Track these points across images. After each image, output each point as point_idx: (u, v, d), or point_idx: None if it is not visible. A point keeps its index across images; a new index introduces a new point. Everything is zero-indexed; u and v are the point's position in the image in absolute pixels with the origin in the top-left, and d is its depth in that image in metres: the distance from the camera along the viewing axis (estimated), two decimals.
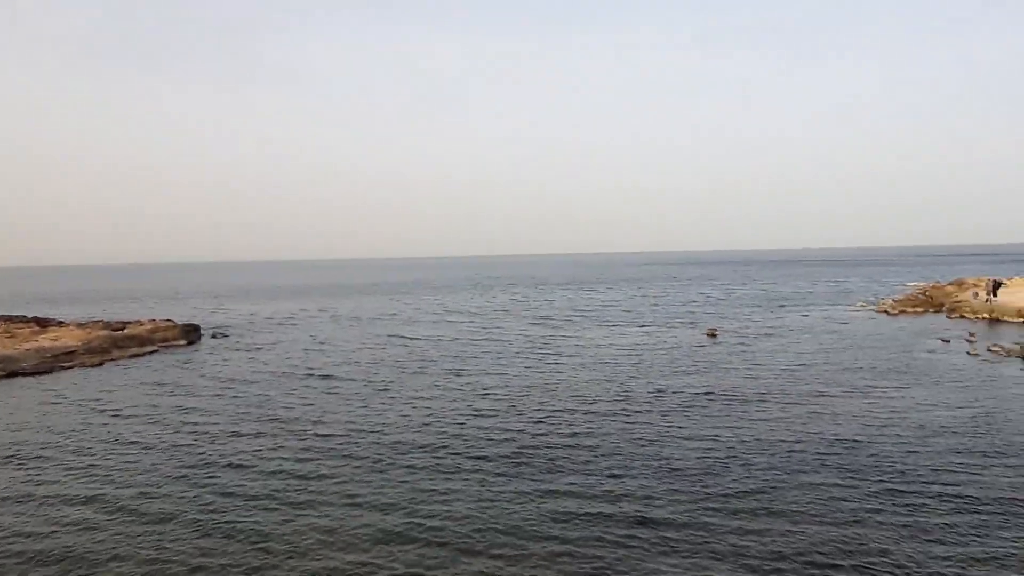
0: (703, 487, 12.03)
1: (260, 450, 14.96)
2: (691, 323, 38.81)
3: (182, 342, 34.06)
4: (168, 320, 37.66)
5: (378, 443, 15.30)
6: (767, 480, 12.29)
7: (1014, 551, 9.31)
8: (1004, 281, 45.03)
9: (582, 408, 18.30)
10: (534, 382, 22.06)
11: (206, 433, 16.58)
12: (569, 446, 14.74)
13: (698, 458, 13.68)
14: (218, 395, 21.27)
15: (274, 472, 13.44)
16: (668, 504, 11.29)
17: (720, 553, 9.50)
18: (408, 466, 13.61)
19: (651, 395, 19.72)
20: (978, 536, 9.81)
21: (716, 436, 15.23)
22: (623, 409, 18.06)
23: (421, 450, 14.69)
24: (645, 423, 16.54)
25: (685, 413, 17.46)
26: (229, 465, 13.97)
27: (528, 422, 16.87)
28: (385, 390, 21.34)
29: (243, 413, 18.66)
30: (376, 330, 38.88)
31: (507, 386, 21.47)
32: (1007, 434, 14.88)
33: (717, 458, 13.65)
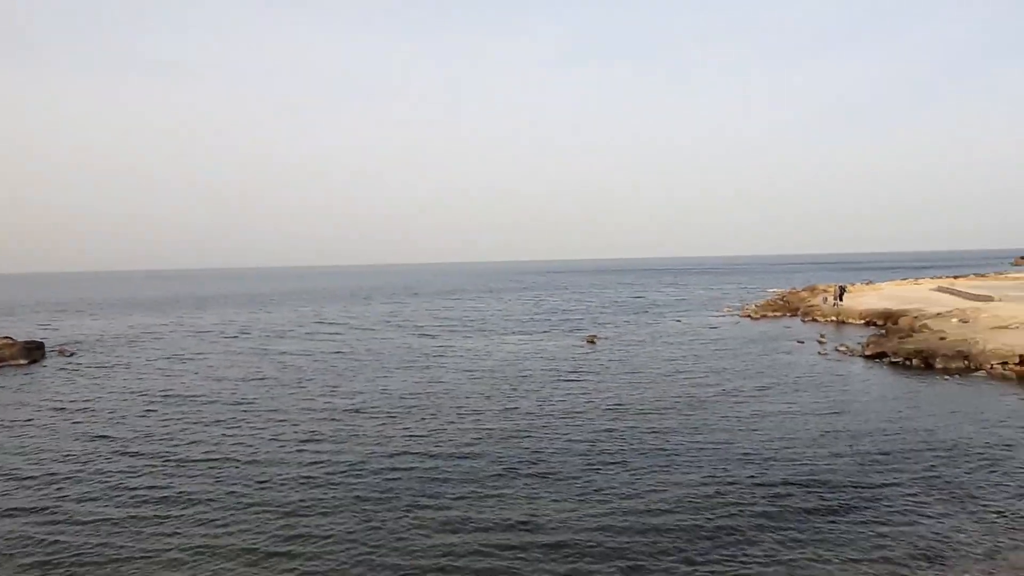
0: (585, 490, 12.31)
1: (109, 482, 13.55)
2: (571, 331, 39.94)
3: (22, 361, 30.46)
4: (6, 338, 33.44)
5: (248, 467, 14.35)
6: (645, 480, 12.79)
7: (863, 531, 10.26)
8: (848, 287, 50.19)
9: (464, 420, 18.21)
10: (415, 395, 21.70)
11: (45, 463, 14.80)
12: (452, 456, 14.58)
13: (581, 462, 14.00)
14: (61, 421, 19.11)
15: (123, 505, 12.21)
16: (552, 510, 11.43)
17: (599, 555, 9.73)
18: (280, 487, 12.86)
19: (534, 404, 20.00)
20: (833, 519, 10.73)
21: (596, 440, 15.67)
22: (506, 418, 18.16)
23: (293, 471, 13.94)
24: (526, 433, 16.72)
25: (566, 419, 17.85)
26: (72, 498, 12.53)
27: (409, 437, 16.52)
28: (252, 410, 20.13)
29: (89, 442, 16.86)
30: (245, 344, 36.72)
31: (386, 400, 20.96)
32: (854, 424, 16.49)
33: (601, 461, 14.03)
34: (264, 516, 11.45)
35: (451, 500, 11.99)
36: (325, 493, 12.50)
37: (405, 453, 14.98)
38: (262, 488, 12.86)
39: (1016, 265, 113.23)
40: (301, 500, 12.16)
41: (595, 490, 12.32)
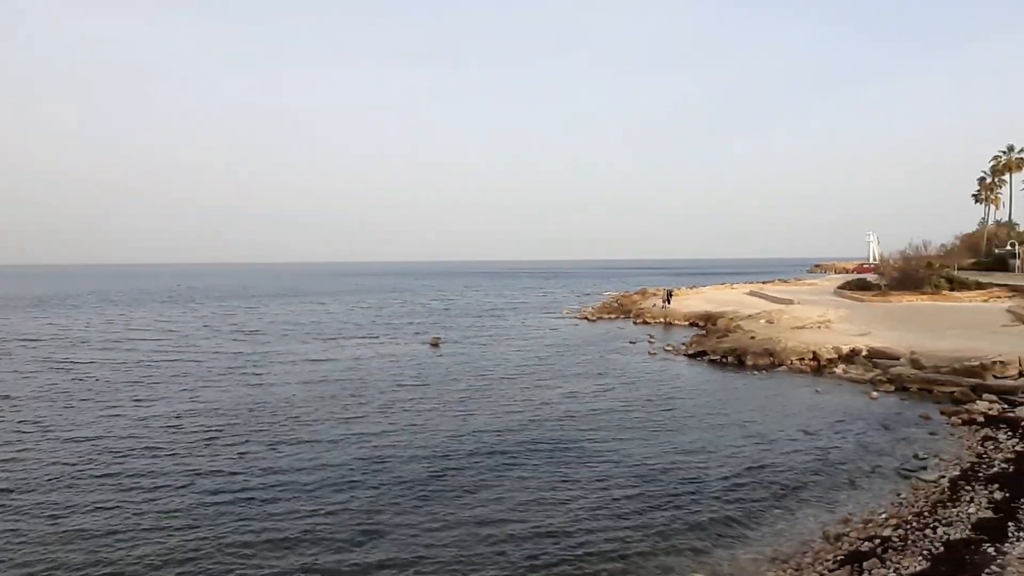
0: (428, 489, 12.31)
1: None
2: (414, 333, 39.74)
3: None
4: None
5: (35, 495, 12.66)
6: (486, 478, 13.05)
7: (708, 515, 11.26)
8: (676, 291, 54.72)
9: (301, 431, 17.44)
10: (241, 407, 20.41)
11: None
12: (288, 470, 13.91)
13: (424, 468, 13.97)
14: None
15: None
16: (395, 522, 11.30)
17: (440, 564, 9.79)
18: (72, 515, 11.49)
19: (377, 410, 19.65)
20: (664, 506, 11.65)
21: (440, 444, 15.74)
22: (348, 427, 17.66)
23: (90, 498, 12.53)
24: (369, 440, 16.38)
25: (410, 425, 17.73)
26: None
27: (236, 453, 15.51)
28: (46, 429, 17.80)
29: None
30: (32, 354, 32.35)
31: (208, 414, 19.49)
32: (679, 418, 18.04)
33: (445, 467, 14.08)
34: (48, 549, 10.17)
35: (284, 516, 11.43)
36: (130, 521, 11.36)
37: (227, 473, 14.03)
38: (54, 521, 11.41)
39: (811, 272, 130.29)
40: (96, 528, 10.95)
41: (438, 496, 12.36)
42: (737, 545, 10.25)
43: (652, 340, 34.24)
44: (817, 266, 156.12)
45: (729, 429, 16.94)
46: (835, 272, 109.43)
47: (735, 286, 68.13)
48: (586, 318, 48.36)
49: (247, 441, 16.15)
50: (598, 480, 13.11)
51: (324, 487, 12.85)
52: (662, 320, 43.82)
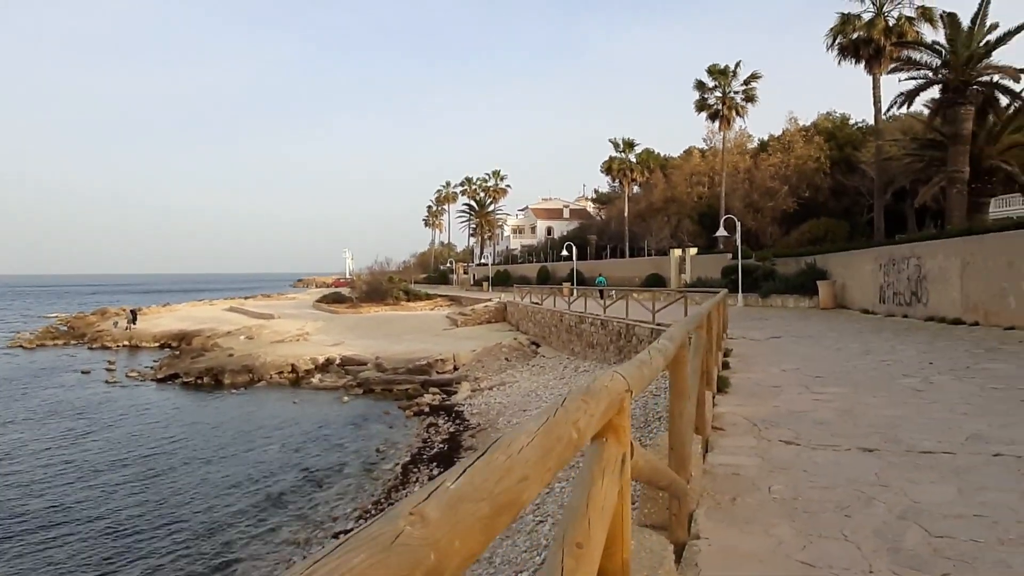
0: None
1: None
2: None
3: None
4: None
5: None
6: None
7: (184, 555, 10.12)
8: (143, 310, 49.60)
9: None
10: None
11: None
12: None
13: None
14: None
15: None
16: None
17: None
18: None
19: None
20: (137, 558, 10.20)
21: None
22: None
23: None
24: None
25: None
26: None
27: None
28: None
29: None
30: None
31: None
32: (143, 453, 16.23)
33: None
34: None
35: None
36: None
37: None
38: None
39: (294, 287, 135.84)
40: None
41: None
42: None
43: (112, 367, 30.09)
44: (300, 281, 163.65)
45: (203, 454, 16.09)
46: (316, 286, 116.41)
47: (215, 302, 65.74)
48: (21, 346, 39.61)
49: None
50: (40, 546, 10.72)
51: None
52: (127, 343, 39.11)
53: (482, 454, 1.16)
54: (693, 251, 43.10)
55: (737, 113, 44.50)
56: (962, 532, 3.72)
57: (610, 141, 61.74)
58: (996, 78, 26.11)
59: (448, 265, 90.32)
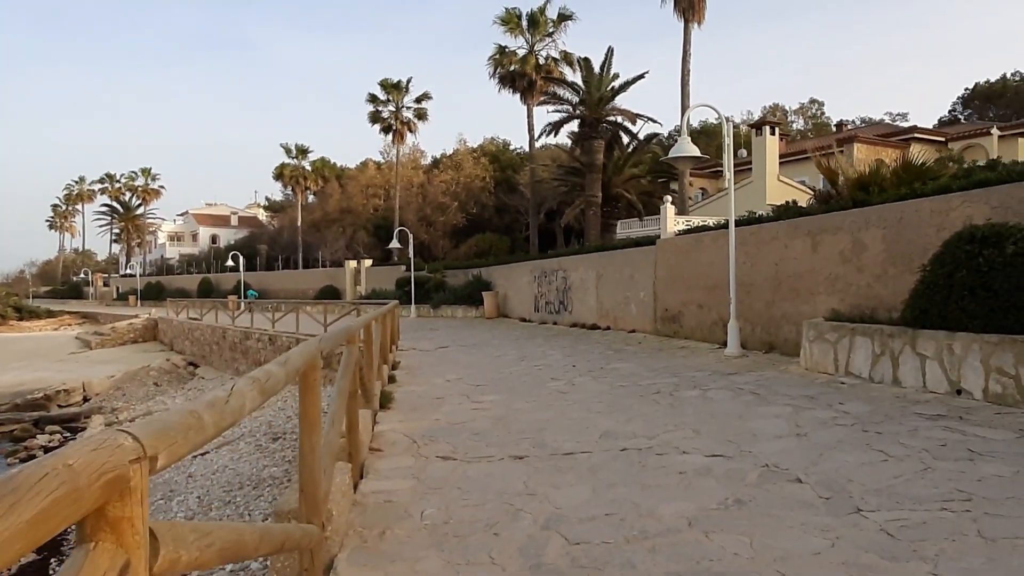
0: None
1: None
2: None
3: None
4: None
5: None
6: None
7: None
8: None
9: None
10: None
11: None
12: None
13: None
14: None
15: None
16: None
17: None
18: None
19: None
20: None
21: None
22: None
23: None
24: None
25: None
26: None
27: None
28: None
29: None
30: None
31: None
32: None
33: None
34: None
35: None
36: None
37: None
38: None
39: None
40: None
41: None
42: None
43: None
44: None
45: None
46: None
47: None
48: None
49: None
50: None
51: None
52: None
53: None
54: (368, 263, 43.18)
55: (409, 129, 46.04)
56: (595, 535, 3.88)
57: (282, 146, 59.31)
58: (620, 119, 31.21)
59: (83, 276, 77.14)
